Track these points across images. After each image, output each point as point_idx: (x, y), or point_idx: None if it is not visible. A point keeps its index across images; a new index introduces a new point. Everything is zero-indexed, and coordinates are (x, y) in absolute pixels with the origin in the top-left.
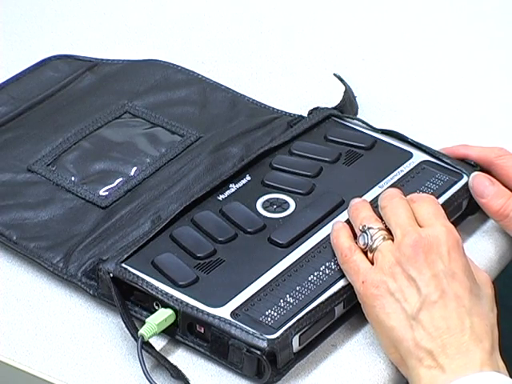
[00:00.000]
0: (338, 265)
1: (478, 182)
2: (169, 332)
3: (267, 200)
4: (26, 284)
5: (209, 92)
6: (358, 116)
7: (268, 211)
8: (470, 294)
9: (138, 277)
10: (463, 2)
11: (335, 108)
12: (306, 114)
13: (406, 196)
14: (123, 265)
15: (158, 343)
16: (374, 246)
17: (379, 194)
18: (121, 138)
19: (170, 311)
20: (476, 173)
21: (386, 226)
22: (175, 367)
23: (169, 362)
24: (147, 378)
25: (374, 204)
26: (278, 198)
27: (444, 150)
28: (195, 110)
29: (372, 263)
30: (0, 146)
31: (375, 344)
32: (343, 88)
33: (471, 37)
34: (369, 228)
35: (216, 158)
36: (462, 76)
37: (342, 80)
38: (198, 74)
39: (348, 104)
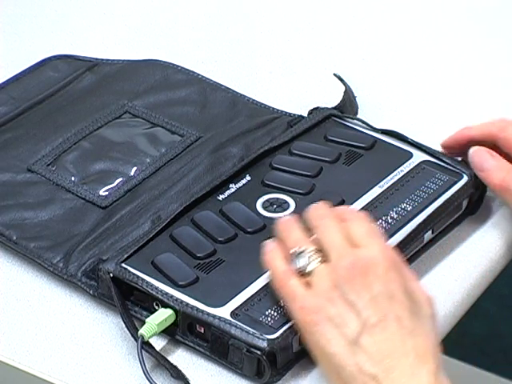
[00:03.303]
0: None
1: (478, 155)
2: (169, 332)
3: (267, 200)
4: (25, 284)
5: (209, 92)
6: (358, 116)
7: (268, 211)
8: (410, 315)
9: (138, 277)
10: (463, 2)
11: (335, 108)
12: (306, 114)
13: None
14: (123, 265)
15: (158, 343)
16: (309, 270)
17: (379, 195)
18: (121, 138)
19: (169, 311)
20: (476, 147)
21: (318, 248)
22: (175, 367)
23: (169, 362)
24: (147, 378)
25: (370, 207)
26: (278, 198)
27: (448, 140)
28: (195, 110)
29: (309, 286)
30: (0, 146)
31: None
32: (343, 88)
33: (471, 37)
34: (302, 251)
35: (216, 158)
36: (462, 76)
37: (342, 80)
38: (198, 74)
39: (348, 104)
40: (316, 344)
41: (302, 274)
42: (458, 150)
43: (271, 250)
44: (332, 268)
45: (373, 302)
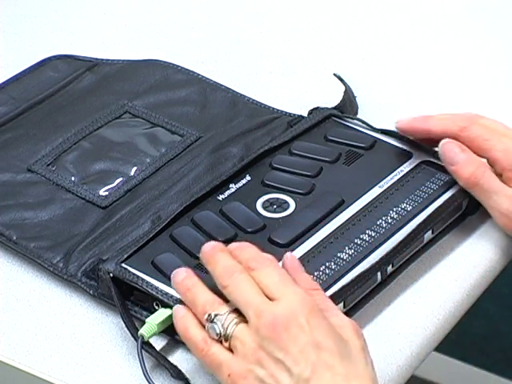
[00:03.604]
0: (337, 265)
1: (448, 149)
2: (169, 332)
3: (267, 200)
4: (25, 284)
5: (209, 92)
6: (358, 116)
7: (268, 211)
8: (341, 359)
9: (138, 277)
10: (463, 2)
11: (335, 108)
12: (306, 114)
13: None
14: (123, 265)
15: (158, 343)
16: (228, 334)
17: (379, 195)
18: (121, 138)
19: (169, 311)
20: (446, 140)
21: (232, 308)
22: (175, 367)
23: (169, 361)
24: (146, 378)
25: (370, 207)
26: (278, 198)
27: (406, 125)
28: (195, 110)
29: (231, 351)
30: (0, 146)
31: (375, 344)
32: (343, 88)
33: (471, 36)
34: (216, 315)
35: (216, 158)
36: (461, 76)
37: (342, 80)
38: (198, 74)
39: (348, 104)
40: None
41: (222, 339)
42: (414, 137)
43: (182, 317)
44: (253, 328)
45: (301, 356)
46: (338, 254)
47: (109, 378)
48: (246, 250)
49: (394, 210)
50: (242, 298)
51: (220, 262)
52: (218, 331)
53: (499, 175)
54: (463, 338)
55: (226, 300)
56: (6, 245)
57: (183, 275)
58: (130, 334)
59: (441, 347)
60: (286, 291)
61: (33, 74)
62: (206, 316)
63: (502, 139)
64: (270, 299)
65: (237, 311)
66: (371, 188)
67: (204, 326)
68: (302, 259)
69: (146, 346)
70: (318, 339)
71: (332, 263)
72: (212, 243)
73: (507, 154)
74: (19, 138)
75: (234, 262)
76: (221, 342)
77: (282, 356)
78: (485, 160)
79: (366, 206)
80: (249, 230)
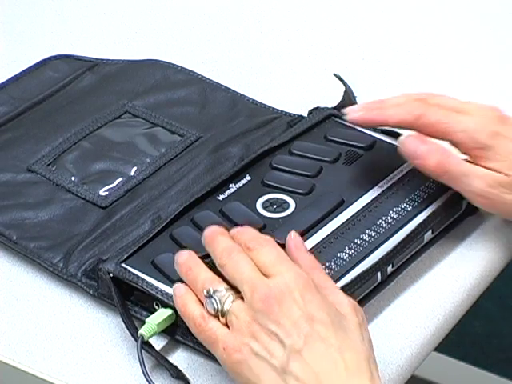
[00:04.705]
0: (337, 265)
1: (409, 144)
2: (169, 332)
3: (267, 200)
4: (25, 284)
5: (209, 92)
6: None
7: (268, 211)
8: (334, 331)
9: (138, 277)
10: (463, 2)
11: (335, 108)
12: (306, 114)
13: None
14: (123, 265)
15: (158, 343)
16: (225, 310)
17: (379, 195)
18: (121, 138)
19: (169, 311)
20: (404, 136)
21: (230, 285)
22: (175, 367)
23: (169, 361)
24: (146, 378)
25: (370, 207)
26: (278, 198)
27: (355, 117)
28: (195, 110)
29: (228, 327)
30: (0, 146)
31: (375, 344)
32: (343, 88)
33: (472, 36)
34: (214, 291)
35: (216, 158)
36: (461, 76)
37: (342, 80)
38: (198, 74)
39: (348, 104)
40: (247, 382)
41: (219, 315)
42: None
43: (182, 295)
44: (248, 303)
45: (294, 328)
46: (338, 254)
47: (109, 378)
48: (245, 232)
49: (394, 209)
50: (238, 275)
51: (220, 244)
52: (215, 306)
53: (465, 155)
54: (463, 338)
55: (226, 281)
56: (5, 245)
57: (186, 256)
58: (129, 334)
59: (441, 347)
60: (281, 268)
61: (33, 74)
62: (205, 292)
63: (460, 118)
64: (266, 277)
65: (235, 289)
66: (371, 188)
67: (203, 304)
68: None
69: (145, 345)
70: (311, 312)
71: (332, 263)
72: (213, 227)
73: (468, 133)
74: (19, 138)
75: (233, 243)
76: (218, 318)
77: (275, 328)
78: (447, 143)
79: (365, 205)
80: None
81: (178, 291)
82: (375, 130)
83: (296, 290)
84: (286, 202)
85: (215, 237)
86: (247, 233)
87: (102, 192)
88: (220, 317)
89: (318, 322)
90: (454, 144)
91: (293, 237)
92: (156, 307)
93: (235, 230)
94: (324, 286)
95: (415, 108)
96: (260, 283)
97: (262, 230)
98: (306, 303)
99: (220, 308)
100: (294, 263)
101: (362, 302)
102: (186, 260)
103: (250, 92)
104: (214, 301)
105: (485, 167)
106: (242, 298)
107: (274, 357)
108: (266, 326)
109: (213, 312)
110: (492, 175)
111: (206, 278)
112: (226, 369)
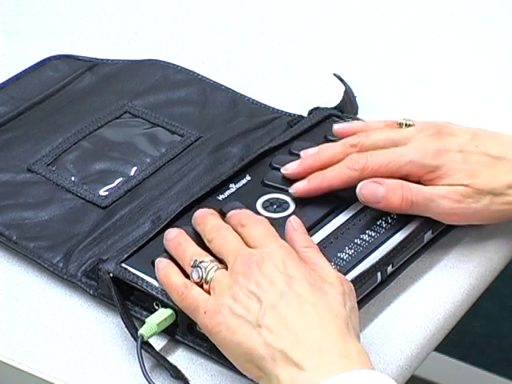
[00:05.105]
0: (337, 265)
1: (367, 190)
2: (169, 332)
3: (267, 200)
4: (25, 284)
5: (209, 92)
6: (358, 116)
7: (268, 211)
8: (312, 291)
9: (137, 277)
10: (463, 2)
11: (335, 108)
12: (306, 114)
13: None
14: (123, 265)
15: (158, 343)
16: (209, 278)
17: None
18: (121, 138)
19: (169, 311)
20: (359, 185)
21: (217, 258)
22: (175, 367)
23: (168, 361)
24: (146, 378)
25: (369, 208)
26: (278, 198)
27: (300, 190)
28: (195, 110)
29: (210, 294)
30: (0, 146)
31: (375, 344)
32: (343, 88)
33: (472, 37)
34: (201, 262)
35: (216, 158)
36: (461, 76)
37: (342, 80)
38: (198, 74)
39: (348, 104)
40: (223, 340)
41: (203, 282)
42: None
43: (164, 267)
44: (230, 269)
45: (272, 286)
46: (338, 254)
47: (109, 378)
48: (242, 212)
49: None
50: (224, 246)
51: (210, 222)
52: (199, 274)
53: (418, 183)
54: (463, 338)
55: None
56: (5, 245)
57: (176, 233)
58: (129, 334)
59: (441, 347)
60: (268, 241)
61: (33, 74)
62: (191, 263)
63: (400, 152)
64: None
65: (220, 261)
66: None
67: (188, 277)
68: None
69: (145, 345)
70: (291, 274)
71: (332, 263)
72: (204, 209)
73: (414, 163)
74: (19, 138)
75: (222, 222)
76: (201, 287)
77: (254, 288)
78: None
79: (365, 205)
80: None
81: (160, 264)
82: None
83: (278, 257)
84: (286, 202)
85: (205, 216)
86: (244, 212)
87: (102, 192)
88: (204, 284)
89: (296, 281)
90: (405, 177)
91: (293, 219)
92: (156, 307)
93: (233, 211)
94: (313, 262)
95: (355, 162)
96: (243, 251)
97: None
98: (287, 268)
99: (204, 276)
100: (280, 239)
101: (361, 302)
102: (175, 236)
103: (249, 92)
104: (199, 269)
105: (444, 185)
106: (226, 268)
107: (250, 313)
108: (247, 286)
109: (197, 280)
110: (454, 190)
111: (194, 252)
112: (207, 335)
